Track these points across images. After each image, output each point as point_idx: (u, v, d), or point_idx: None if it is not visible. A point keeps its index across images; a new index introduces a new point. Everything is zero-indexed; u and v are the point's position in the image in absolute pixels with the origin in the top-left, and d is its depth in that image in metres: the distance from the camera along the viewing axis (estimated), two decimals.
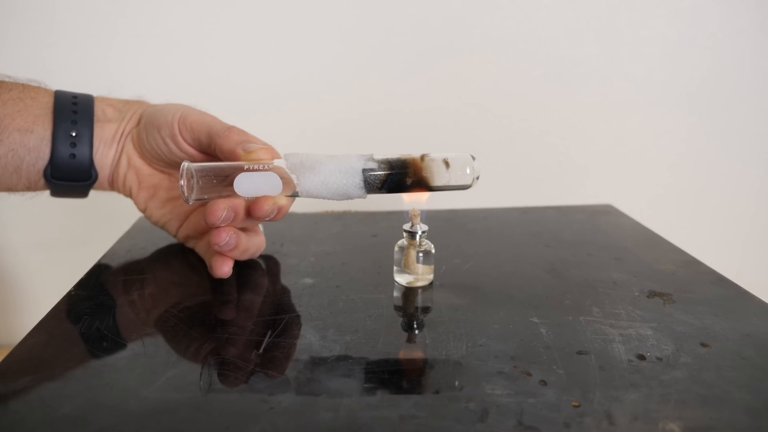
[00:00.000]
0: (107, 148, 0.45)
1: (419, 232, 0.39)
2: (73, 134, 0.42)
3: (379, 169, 0.36)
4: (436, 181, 0.36)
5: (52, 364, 0.31)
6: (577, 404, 0.27)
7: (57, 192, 0.46)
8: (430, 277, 0.41)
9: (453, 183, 0.36)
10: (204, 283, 0.41)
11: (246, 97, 0.76)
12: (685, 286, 0.41)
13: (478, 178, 0.37)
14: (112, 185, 0.47)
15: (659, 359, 0.31)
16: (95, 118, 0.44)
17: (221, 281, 0.41)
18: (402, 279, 0.41)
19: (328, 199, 0.37)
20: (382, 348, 0.32)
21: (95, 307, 0.37)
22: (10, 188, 0.44)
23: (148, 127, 0.43)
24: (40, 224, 0.81)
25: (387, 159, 0.36)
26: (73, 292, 0.40)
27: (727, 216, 0.84)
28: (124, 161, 0.45)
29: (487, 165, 0.80)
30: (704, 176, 0.82)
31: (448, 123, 0.79)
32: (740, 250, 0.85)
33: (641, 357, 0.31)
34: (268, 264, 0.45)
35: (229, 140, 0.38)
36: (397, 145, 0.79)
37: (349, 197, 0.37)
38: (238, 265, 0.44)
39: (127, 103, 0.47)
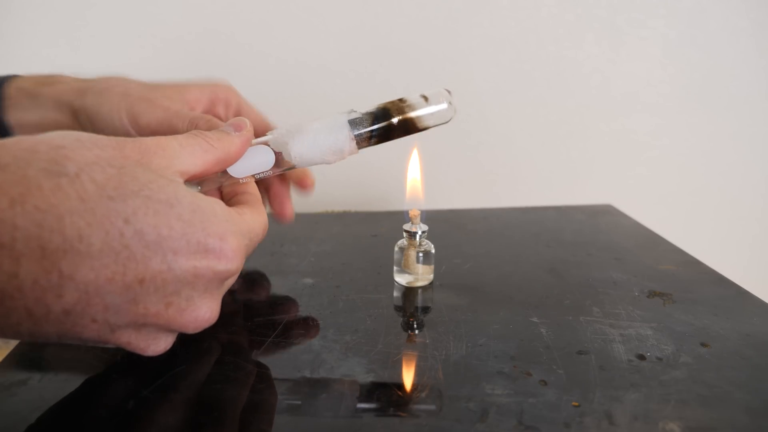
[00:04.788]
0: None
1: (419, 232, 0.39)
2: None
3: (364, 118, 0.36)
4: (422, 119, 0.37)
5: (52, 364, 0.31)
6: (577, 404, 0.27)
7: None
8: (430, 277, 0.41)
9: (436, 118, 0.37)
10: None
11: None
12: (685, 286, 0.41)
13: (455, 110, 0.38)
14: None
15: (659, 359, 0.31)
16: (11, 112, 0.37)
17: None
18: (402, 279, 0.41)
19: (323, 161, 0.36)
20: (382, 348, 0.32)
21: None
22: None
23: (93, 129, 0.36)
24: None
25: (367, 111, 0.37)
26: None
27: (727, 216, 0.84)
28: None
29: (488, 165, 0.80)
30: (704, 176, 0.82)
31: (448, 123, 0.79)
32: (740, 249, 0.85)
33: (641, 357, 0.31)
34: (268, 264, 0.45)
35: None
36: (399, 146, 0.79)
37: (341, 153, 0.36)
38: None
39: (44, 83, 0.38)
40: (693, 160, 0.81)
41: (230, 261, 0.26)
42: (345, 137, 0.35)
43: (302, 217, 0.57)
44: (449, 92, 0.37)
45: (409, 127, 0.37)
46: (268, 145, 0.35)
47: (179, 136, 0.29)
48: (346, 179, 0.80)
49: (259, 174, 0.35)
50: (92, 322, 0.23)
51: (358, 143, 0.36)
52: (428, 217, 0.43)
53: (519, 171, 0.81)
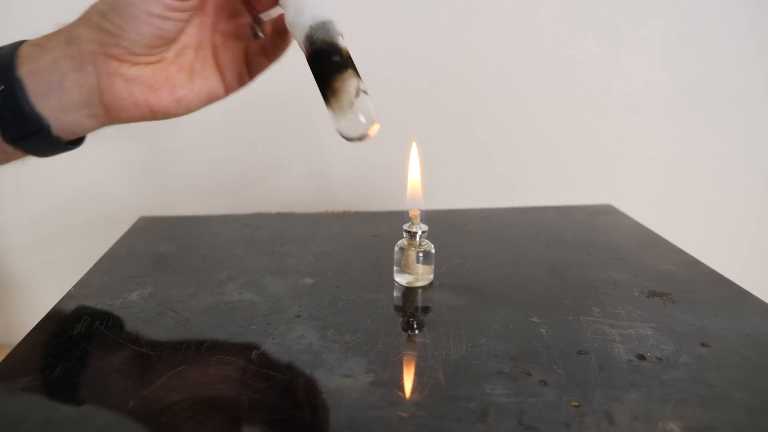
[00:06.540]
0: (54, 91, 0.35)
1: (419, 233, 0.39)
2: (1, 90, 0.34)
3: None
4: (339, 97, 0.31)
5: (52, 364, 0.31)
6: (577, 404, 0.27)
7: (34, 152, 0.37)
8: (430, 277, 0.41)
9: (338, 111, 0.31)
10: (204, 283, 0.41)
11: None
12: (685, 286, 0.41)
13: (364, 135, 0.31)
14: (113, 117, 0.37)
15: (659, 359, 0.31)
16: (23, 66, 0.35)
17: (221, 281, 0.41)
18: (402, 279, 0.41)
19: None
20: (382, 348, 0.32)
21: (95, 307, 0.37)
22: None
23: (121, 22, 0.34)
24: (40, 224, 0.81)
25: (337, 44, 0.33)
26: (73, 292, 0.40)
27: (727, 216, 0.84)
28: (107, 86, 0.35)
29: (487, 165, 0.80)
30: (704, 176, 0.82)
31: (448, 123, 0.79)
32: (740, 249, 0.85)
33: (641, 357, 0.31)
34: (268, 264, 0.45)
35: None
36: (398, 146, 0.80)
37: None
38: (238, 266, 0.44)
39: (49, 38, 0.37)
40: (692, 159, 0.81)
41: None
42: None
43: (302, 217, 0.57)
44: (370, 125, 0.31)
45: (325, 80, 0.32)
46: None
47: None
48: (346, 179, 0.80)
49: None
50: None
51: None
52: (428, 217, 0.43)
53: (519, 171, 0.81)
